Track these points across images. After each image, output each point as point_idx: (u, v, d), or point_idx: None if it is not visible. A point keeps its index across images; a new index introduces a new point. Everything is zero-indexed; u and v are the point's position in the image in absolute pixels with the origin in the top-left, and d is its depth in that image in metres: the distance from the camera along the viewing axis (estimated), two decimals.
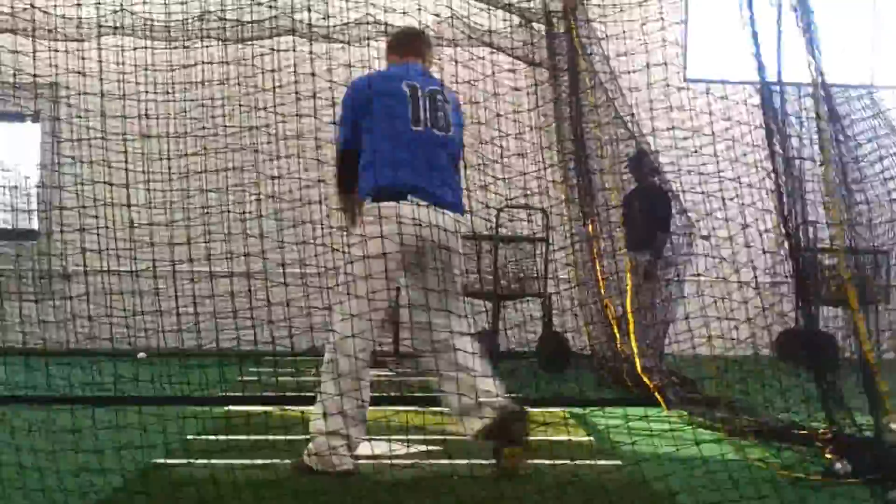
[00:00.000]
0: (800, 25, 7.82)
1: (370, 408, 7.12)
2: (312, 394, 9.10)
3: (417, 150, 7.02)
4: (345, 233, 7.55)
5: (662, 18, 10.71)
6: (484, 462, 7.04)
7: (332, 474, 6.78)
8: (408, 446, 7.69)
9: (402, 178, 6.97)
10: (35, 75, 11.47)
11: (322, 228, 10.51)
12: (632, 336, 10.92)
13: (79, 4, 11.80)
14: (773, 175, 8.15)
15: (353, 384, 6.87)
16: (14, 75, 11.36)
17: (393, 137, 7.06)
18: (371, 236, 6.88)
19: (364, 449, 7.11)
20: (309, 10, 12.43)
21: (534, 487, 6.67)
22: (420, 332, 7.16)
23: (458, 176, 7.35)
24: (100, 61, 11.57)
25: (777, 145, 8.22)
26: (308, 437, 7.02)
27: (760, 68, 7.85)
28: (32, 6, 12.07)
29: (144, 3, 12.76)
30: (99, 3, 12.10)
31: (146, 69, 12.29)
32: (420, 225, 6.86)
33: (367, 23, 12.92)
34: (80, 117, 11.63)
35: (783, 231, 8.13)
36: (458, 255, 7.20)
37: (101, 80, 11.35)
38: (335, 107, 9.76)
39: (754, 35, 7.82)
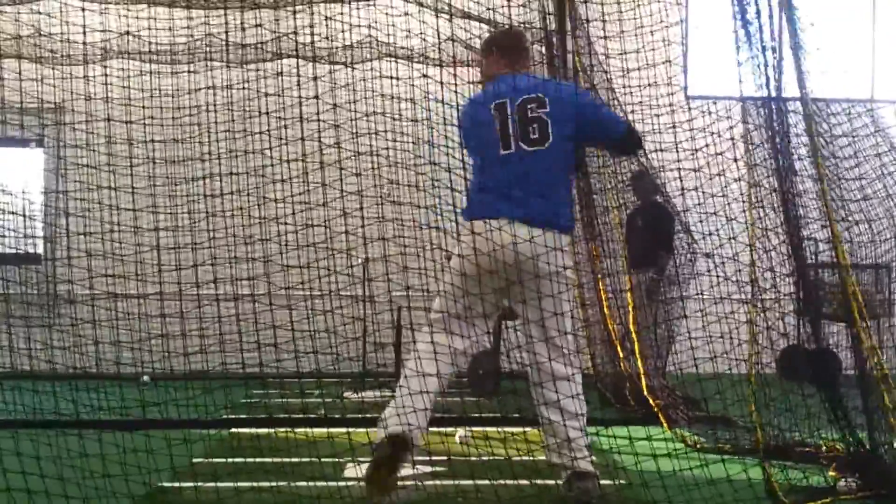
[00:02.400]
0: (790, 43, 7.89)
1: (372, 430, 7.13)
2: (316, 417, 9.16)
3: (505, 174, 6.91)
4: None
5: (665, 41, 10.74)
6: (488, 483, 7.05)
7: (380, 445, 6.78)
8: (414, 468, 7.70)
9: (487, 200, 6.94)
10: (41, 100, 11.51)
11: (327, 251, 10.54)
12: (637, 355, 10.92)
13: (84, 30, 11.84)
14: (775, 193, 8.19)
15: (420, 384, 6.84)
16: (21, 100, 11.39)
17: (482, 166, 7.10)
18: (458, 253, 6.96)
19: (356, 472, 7.14)
20: (312, 34, 12.46)
21: None
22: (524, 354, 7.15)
23: (557, 189, 7.02)
24: (105, 84, 11.60)
25: (777, 162, 8.27)
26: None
27: (765, 85, 7.92)
28: (39, 33, 12.13)
29: (149, 29, 12.79)
30: (105, 30, 12.16)
31: (150, 94, 12.33)
32: (500, 242, 6.78)
33: (370, 45, 12.97)
34: (83, 146, 11.65)
35: (787, 248, 8.17)
36: (547, 273, 6.84)
37: (106, 102, 11.39)
38: (338, 128, 9.84)
39: (756, 50, 7.87)
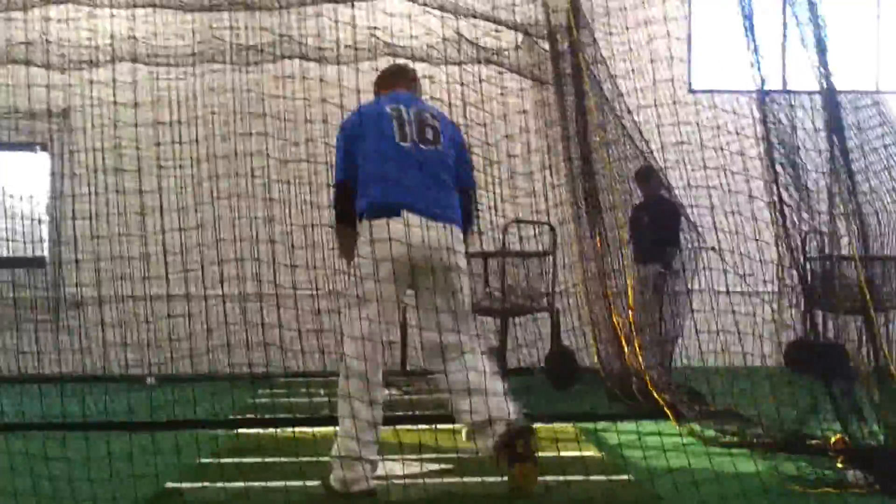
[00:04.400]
0: (805, 39, 7.87)
1: (382, 427, 7.13)
2: (322, 416, 9.16)
3: (406, 165, 7.02)
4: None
5: (668, 34, 10.73)
6: (495, 479, 7.05)
7: (353, 494, 6.78)
8: (420, 465, 7.70)
9: (391, 194, 6.98)
10: (49, 107, 11.54)
11: (332, 250, 10.55)
12: (638, 350, 10.91)
13: (90, 34, 11.88)
14: (775, 186, 8.18)
15: (364, 406, 6.86)
16: (28, 105, 11.43)
17: (381, 156, 7.08)
18: (365, 256, 6.92)
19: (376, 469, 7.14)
20: (318, 36, 12.49)
21: (543, 502, 6.69)
22: (431, 351, 7.15)
23: (452, 187, 7.21)
24: (113, 89, 11.64)
25: (780, 155, 8.26)
26: (328, 458, 7.02)
27: (763, 80, 7.91)
28: (47, 40, 12.16)
29: (155, 34, 12.81)
30: (112, 36, 12.19)
31: (157, 96, 12.35)
32: (411, 239, 6.84)
33: (373, 45, 12.97)
34: (89, 150, 11.68)
35: (787, 241, 8.16)
36: (459, 268, 7.08)
37: (114, 105, 11.42)
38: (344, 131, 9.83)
39: (755, 46, 7.87)
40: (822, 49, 7.90)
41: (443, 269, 6.97)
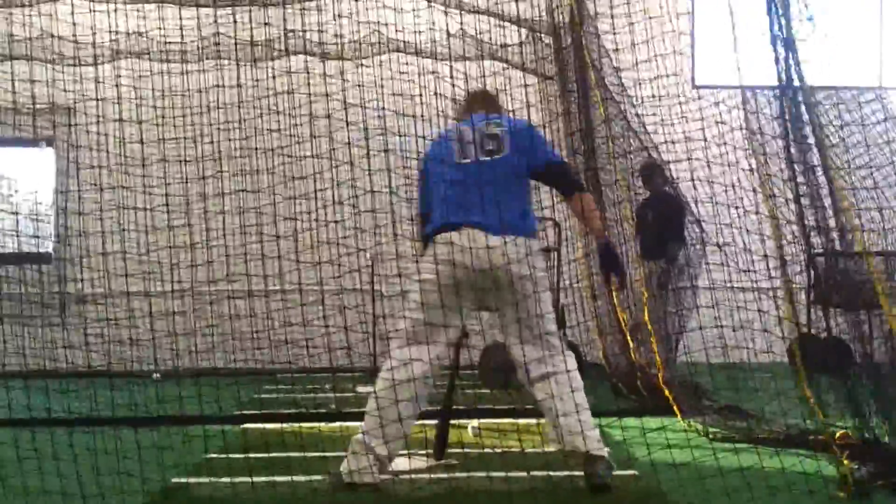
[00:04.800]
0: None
1: None
2: (327, 412, 9.18)
3: (465, 183, 7.02)
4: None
5: (673, 30, 10.74)
6: (499, 475, 7.07)
7: (357, 486, 6.81)
8: (426, 461, 7.72)
9: (451, 214, 7.02)
10: (52, 102, 11.55)
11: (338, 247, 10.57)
12: (654, 345, 10.91)
13: (93, 31, 11.88)
14: (786, 182, 8.20)
15: (388, 403, 6.85)
16: (33, 101, 11.42)
17: (441, 179, 7.20)
18: (423, 266, 7.02)
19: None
20: (320, 32, 12.48)
21: (551, 499, 6.71)
22: (519, 367, 7.15)
23: (518, 195, 7.14)
24: (116, 85, 11.64)
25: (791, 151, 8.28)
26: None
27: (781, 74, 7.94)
28: (51, 35, 12.17)
29: (160, 29, 12.81)
30: (114, 30, 12.18)
31: (161, 93, 12.35)
32: (468, 251, 6.85)
33: (378, 42, 13.00)
34: (94, 146, 11.68)
35: (801, 236, 8.18)
36: (527, 278, 6.91)
37: (118, 102, 11.42)
38: (349, 126, 9.85)
39: (773, 40, 7.89)
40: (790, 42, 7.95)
41: (508, 282, 6.89)
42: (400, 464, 7.30)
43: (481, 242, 6.84)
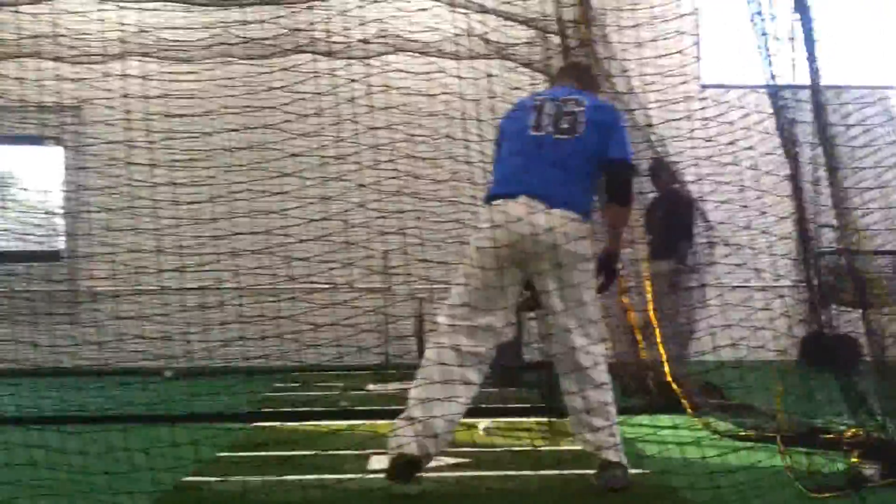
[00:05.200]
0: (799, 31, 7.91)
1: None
2: (338, 409, 9.18)
3: (532, 153, 6.94)
4: None
5: (678, 31, 10.75)
6: (512, 473, 7.08)
7: (393, 458, 6.67)
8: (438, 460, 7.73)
9: (510, 180, 6.95)
10: (60, 102, 11.56)
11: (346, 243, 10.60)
12: (660, 344, 10.90)
13: (102, 25, 11.90)
14: (791, 179, 8.21)
15: (438, 376, 6.74)
16: (40, 99, 11.45)
17: (511, 145, 7.11)
18: (476, 239, 6.93)
19: (381, 462, 7.16)
20: (328, 32, 12.49)
21: (562, 497, 6.72)
22: (547, 338, 7.09)
23: (582, 180, 6.96)
24: (123, 81, 11.66)
25: (793, 149, 8.28)
26: None
27: (773, 75, 7.94)
28: (59, 34, 12.18)
29: (170, 29, 12.82)
30: (122, 25, 12.20)
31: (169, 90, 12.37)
32: (516, 218, 6.72)
33: (385, 39, 13.01)
34: (102, 143, 11.70)
35: (804, 234, 8.18)
36: (572, 255, 6.76)
37: (125, 97, 11.44)
38: (357, 123, 9.87)
39: (765, 41, 7.89)
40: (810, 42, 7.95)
41: (555, 257, 6.73)
42: None
43: (535, 212, 6.71)
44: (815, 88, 8.15)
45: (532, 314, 7.69)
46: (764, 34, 7.92)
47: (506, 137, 7.25)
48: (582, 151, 6.95)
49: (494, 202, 6.91)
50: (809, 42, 7.96)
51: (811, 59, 7.97)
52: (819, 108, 8.24)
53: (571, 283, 6.79)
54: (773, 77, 8.00)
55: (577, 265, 6.79)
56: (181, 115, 12.04)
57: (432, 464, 7.00)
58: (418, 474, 6.75)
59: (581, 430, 6.92)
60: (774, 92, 8.20)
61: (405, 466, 6.65)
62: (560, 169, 6.84)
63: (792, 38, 8.00)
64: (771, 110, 8.29)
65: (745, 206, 9.34)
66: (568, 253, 6.74)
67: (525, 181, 6.86)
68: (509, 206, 6.79)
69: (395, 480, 6.67)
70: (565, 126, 6.97)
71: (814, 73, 8.01)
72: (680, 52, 10.65)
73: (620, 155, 7.16)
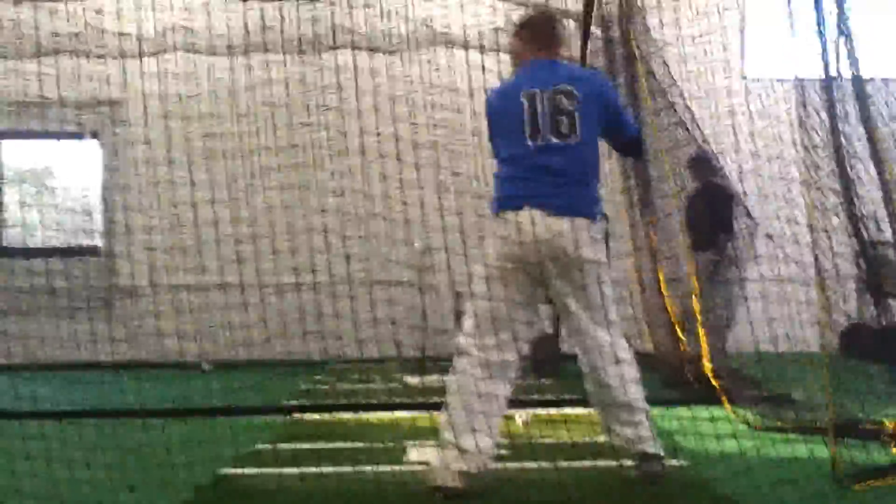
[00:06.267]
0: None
1: (434, 413, 7.13)
2: (376, 402, 9.17)
3: (533, 164, 6.80)
4: None
5: (723, 27, 10.70)
6: (549, 465, 7.06)
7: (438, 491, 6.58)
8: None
9: (516, 191, 6.83)
10: (98, 99, 11.62)
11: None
12: (702, 336, 10.87)
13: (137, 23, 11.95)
14: (837, 173, 8.16)
15: (466, 396, 6.68)
16: (78, 95, 11.51)
17: (509, 156, 6.95)
18: (487, 252, 6.87)
19: (419, 454, 7.15)
20: (369, 29, 12.51)
21: (599, 488, 6.69)
22: (572, 337, 7.06)
23: (588, 180, 6.90)
24: (159, 78, 11.70)
25: (842, 142, 8.23)
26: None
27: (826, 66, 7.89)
28: (93, 27, 12.22)
29: (208, 27, 12.84)
30: (162, 24, 12.26)
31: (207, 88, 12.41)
32: (526, 230, 6.67)
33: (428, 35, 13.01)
34: (144, 142, 11.75)
35: (851, 226, 8.12)
36: (586, 260, 6.74)
37: (162, 96, 11.49)
38: (395, 122, 9.86)
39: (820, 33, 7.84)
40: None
41: (566, 264, 6.72)
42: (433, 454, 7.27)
43: (542, 223, 6.66)
44: (860, 80, 8.11)
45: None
46: (819, 26, 7.88)
47: (501, 137, 7.07)
48: (584, 154, 6.89)
49: (501, 214, 6.84)
50: (850, 34, 7.92)
51: (853, 51, 7.94)
52: (864, 101, 8.21)
53: (587, 288, 6.78)
54: (826, 69, 7.96)
55: (591, 270, 6.78)
56: (218, 113, 12.08)
57: None
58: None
59: (613, 426, 6.90)
60: (824, 85, 8.16)
61: (448, 499, 6.55)
62: (564, 175, 6.78)
63: (839, 31, 7.97)
64: (815, 103, 8.24)
65: (789, 201, 9.28)
66: (579, 259, 6.72)
67: (529, 193, 6.77)
68: (517, 217, 6.73)
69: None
70: (564, 130, 6.82)
71: (856, 65, 7.97)
72: (723, 47, 10.60)
73: (631, 133, 7.32)
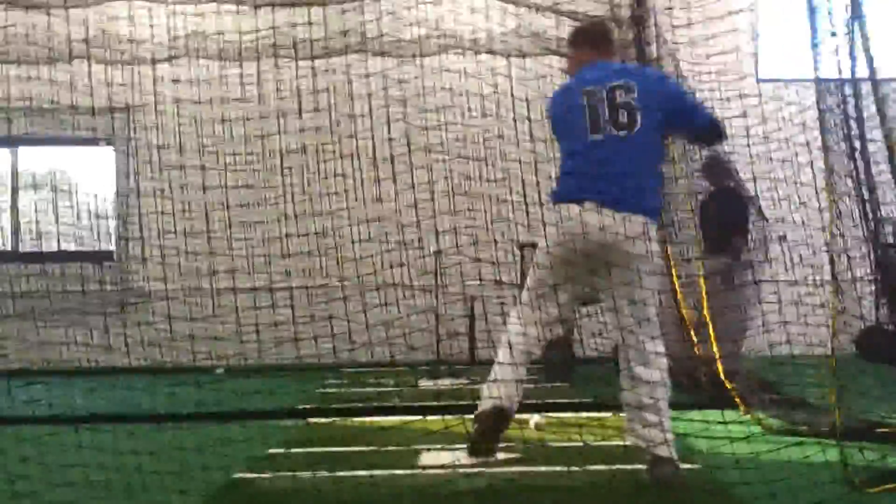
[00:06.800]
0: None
1: (447, 416, 7.18)
2: (389, 406, 9.18)
3: (594, 158, 6.90)
4: None
5: (735, 29, 10.68)
6: (562, 469, 7.05)
7: (482, 416, 7.00)
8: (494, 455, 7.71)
9: (573, 185, 6.97)
10: (112, 105, 11.64)
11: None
12: (713, 340, 10.85)
13: (151, 27, 11.97)
14: (853, 175, 8.15)
15: (510, 372, 7.01)
16: (92, 98, 11.53)
17: (571, 151, 7.11)
18: (545, 237, 7.08)
19: (432, 458, 7.18)
20: (380, 33, 12.51)
21: (613, 492, 6.68)
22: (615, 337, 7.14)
23: (647, 172, 6.99)
24: (175, 83, 11.72)
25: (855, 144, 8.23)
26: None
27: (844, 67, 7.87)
28: (107, 32, 12.26)
29: (219, 32, 12.86)
30: (174, 31, 12.27)
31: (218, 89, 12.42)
32: (582, 224, 6.77)
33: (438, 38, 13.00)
34: (154, 146, 11.78)
35: (866, 228, 8.11)
36: (637, 255, 6.78)
37: (176, 102, 11.51)
38: (403, 122, 9.87)
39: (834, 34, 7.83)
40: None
41: (616, 258, 6.79)
42: (461, 457, 7.29)
43: (596, 216, 6.74)
44: (875, 81, 8.10)
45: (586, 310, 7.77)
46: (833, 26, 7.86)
47: (561, 135, 7.28)
48: (644, 145, 6.95)
49: (561, 203, 6.99)
50: (865, 35, 7.91)
51: (869, 51, 7.92)
52: (880, 102, 8.19)
53: (632, 284, 6.81)
54: (839, 71, 7.95)
55: (641, 266, 6.82)
56: (230, 118, 12.09)
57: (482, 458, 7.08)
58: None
59: (634, 426, 6.91)
60: (834, 86, 8.15)
61: (498, 417, 6.99)
62: (624, 169, 6.84)
63: (849, 32, 7.95)
64: (829, 104, 8.23)
65: (804, 203, 9.26)
66: (631, 255, 6.77)
67: (589, 186, 6.86)
68: (574, 210, 6.85)
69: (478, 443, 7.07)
70: (623, 121, 6.92)
71: (871, 66, 7.95)
72: (735, 49, 10.59)
73: (702, 118, 7.31)
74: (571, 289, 7.09)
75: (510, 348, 7.01)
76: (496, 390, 6.96)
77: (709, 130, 7.46)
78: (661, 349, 6.95)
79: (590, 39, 7.56)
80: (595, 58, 7.37)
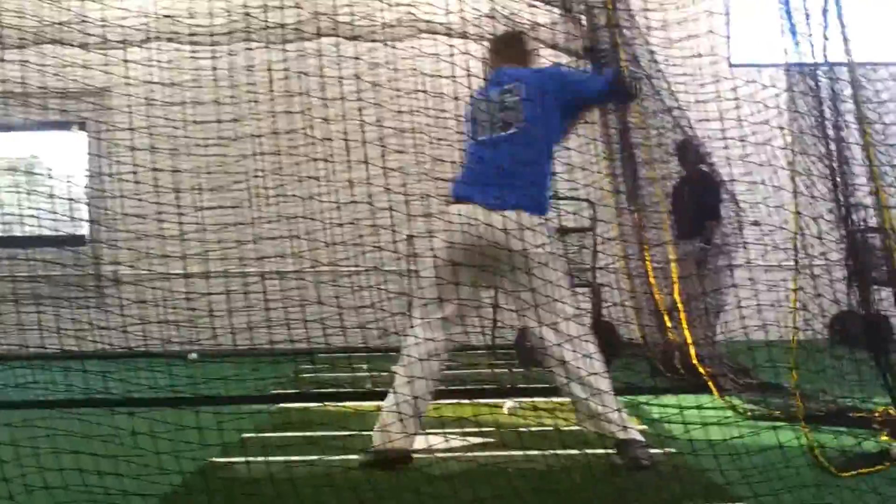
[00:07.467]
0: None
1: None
2: (363, 391, 9.18)
3: (480, 160, 7.16)
4: None
5: (709, 11, 10.68)
6: (537, 453, 7.04)
7: (388, 454, 6.96)
8: (462, 439, 7.71)
9: (463, 188, 7.18)
10: (87, 86, 11.55)
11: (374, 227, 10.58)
12: (684, 325, 10.88)
13: (124, 15, 11.89)
14: (822, 160, 8.15)
15: (410, 382, 7.01)
16: (64, 82, 11.45)
17: (466, 154, 7.42)
18: (434, 241, 7.16)
19: (418, 442, 7.17)
20: (352, 15, 12.46)
21: (586, 476, 6.67)
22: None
23: (532, 169, 7.10)
24: (150, 67, 11.66)
25: (828, 128, 8.23)
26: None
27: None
28: (84, 19, 12.18)
29: (190, 16, 12.80)
30: (146, 14, 12.20)
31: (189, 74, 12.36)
32: (467, 222, 6.90)
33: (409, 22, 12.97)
34: (126, 128, 11.70)
35: (838, 213, 8.12)
36: (523, 253, 6.85)
37: (148, 84, 11.44)
38: (379, 107, 9.85)
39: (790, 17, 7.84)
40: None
41: (506, 258, 6.91)
42: (435, 442, 7.29)
43: (482, 218, 6.87)
44: (850, 65, 8.12)
45: None
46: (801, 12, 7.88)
47: (467, 139, 7.54)
48: (527, 141, 7.14)
49: (453, 204, 7.18)
50: (841, 18, 7.92)
51: (844, 35, 7.94)
52: (854, 85, 8.21)
53: (531, 282, 6.90)
54: (812, 55, 7.97)
55: (537, 265, 6.92)
56: (202, 101, 12.04)
57: (456, 443, 7.18)
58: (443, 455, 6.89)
59: (580, 416, 7.13)
60: (808, 70, 8.17)
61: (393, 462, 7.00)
62: (508, 168, 7.00)
63: (825, 14, 7.97)
64: (802, 89, 8.25)
65: (779, 188, 9.26)
66: (518, 253, 6.88)
67: (476, 188, 7.06)
68: (464, 209, 7.00)
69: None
70: (507, 120, 7.19)
71: (847, 49, 7.97)
72: (710, 31, 10.59)
73: (596, 84, 7.69)
74: (465, 290, 7.16)
75: (411, 380, 7.05)
76: (397, 427, 7.01)
77: (608, 91, 7.59)
78: (585, 344, 7.03)
79: (497, 48, 7.91)
80: (499, 64, 7.64)
